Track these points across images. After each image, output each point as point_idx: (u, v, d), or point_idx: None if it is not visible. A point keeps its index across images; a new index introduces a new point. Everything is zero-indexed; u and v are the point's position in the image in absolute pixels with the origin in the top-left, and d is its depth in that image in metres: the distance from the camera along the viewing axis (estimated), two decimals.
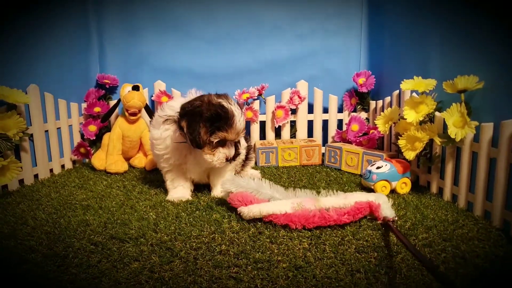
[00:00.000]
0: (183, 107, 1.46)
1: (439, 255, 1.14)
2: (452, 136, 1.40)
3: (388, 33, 2.20)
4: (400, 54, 2.08)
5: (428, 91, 1.59)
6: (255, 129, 2.36)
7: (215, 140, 1.44)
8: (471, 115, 1.42)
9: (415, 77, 1.65)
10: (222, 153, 1.48)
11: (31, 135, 1.84)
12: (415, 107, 1.61)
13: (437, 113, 1.59)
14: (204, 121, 1.41)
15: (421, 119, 1.58)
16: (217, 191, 1.64)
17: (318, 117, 2.36)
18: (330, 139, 2.39)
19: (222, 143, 1.48)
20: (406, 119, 1.63)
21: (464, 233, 1.27)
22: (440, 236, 1.24)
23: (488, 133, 1.36)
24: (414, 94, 1.74)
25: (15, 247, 1.17)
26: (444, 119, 1.52)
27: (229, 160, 1.51)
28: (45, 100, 1.95)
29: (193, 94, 1.56)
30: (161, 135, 1.55)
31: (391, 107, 1.97)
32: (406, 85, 1.64)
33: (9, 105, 1.68)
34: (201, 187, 1.74)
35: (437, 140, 1.53)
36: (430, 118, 1.63)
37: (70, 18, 2.17)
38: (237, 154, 1.61)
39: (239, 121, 1.46)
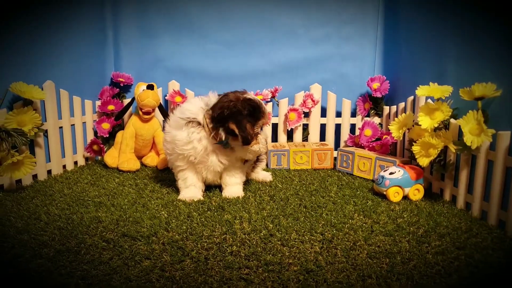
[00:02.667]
0: (219, 111, 1.50)
1: (452, 263, 1.13)
2: (468, 144, 1.38)
3: (404, 39, 2.19)
4: (415, 60, 2.06)
5: (444, 98, 1.58)
6: (267, 131, 2.35)
7: (257, 130, 1.57)
8: (487, 123, 1.40)
9: (430, 83, 1.64)
10: (263, 138, 1.60)
11: (46, 131, 1.86)
12: (430, 113, 1.59)
13: (452, 120, 1.57)
14: (247, 117, 1.51)
15: (436, 125, 1.57)
16: (228, 192, 1.65)
17: (331, 121, 2.35)
18: (342, 143, 2.38)
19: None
20: (420, 125, 1.61)
21: (478, 242, 1.25)
22: (453, 244, 1.23)
23: (505, 141, 1.34)
24: (429, 100, 1.73)
25: (29, 242, 1.19)
26: (459, 126, 1.51)
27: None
28: (60, 97, 1.96)
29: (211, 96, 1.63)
30: (190, 137, 1.56)
31: (405, 113, 1.96)
32: (422, 91, 1.63)
33: (26, 100, 1.70)
34: (212, 188, 1.74)
35: (452, 147, 1.51)
36: (445, 125, 1.61)
37: (87, 17, 2.20)
38: None
39: (265, 107, 1.60)
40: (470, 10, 1.59)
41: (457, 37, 1.65)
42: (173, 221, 1.34)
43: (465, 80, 1.56)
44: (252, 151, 1.57)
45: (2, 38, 1.65)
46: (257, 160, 1.86)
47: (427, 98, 1.77)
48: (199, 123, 1.56)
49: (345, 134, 2.37)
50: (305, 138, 2.39)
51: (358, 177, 2.00)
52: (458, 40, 1.65)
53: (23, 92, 1.64)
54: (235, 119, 1.49)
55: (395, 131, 1.82)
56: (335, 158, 2.22)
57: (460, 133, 1.55)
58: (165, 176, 1.95)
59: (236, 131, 1.48)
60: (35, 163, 1.68)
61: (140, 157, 2.21)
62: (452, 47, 1.69)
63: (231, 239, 1.23)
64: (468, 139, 1.38)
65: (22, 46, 1.75)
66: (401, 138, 1.94)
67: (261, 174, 1.94)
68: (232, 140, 1.54)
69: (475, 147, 1.38)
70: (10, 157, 1.54)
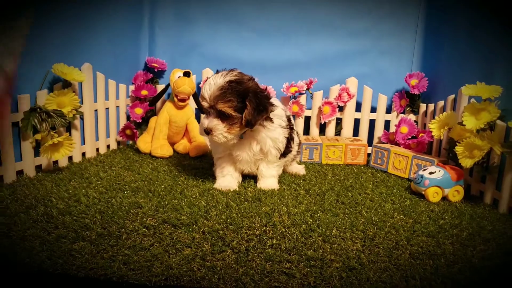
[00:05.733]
0: None
1: (501, 270, 1.10)
2: None
3: (447, 35, 2.12)
4: (458, 58, 2.00)
5: (492, 98, 1.52)
6: (299, 123, 2.33)
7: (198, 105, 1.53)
8: None
9: (478, 82, 1.59)
10: (202, 120, 1.53)
11: (82, 113, 1.86)
12: (476, 113, 1.55)
13: (499, 121, 1.52)
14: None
15: (481, 126, 1.52)
16: (263, 183, 1.64)
17: (365, 116, 2.30)
18: (375, 140, 2.34)
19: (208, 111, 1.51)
20: (464, 125, 1.57)
21: None
22: (500, 250, 1.19)
23: None
24: (473, 100, 1.68)
25: (71, 223, 1.19)
26: (506, 128, 1.47)
27: (207, 132, 1.49)
28: (96, 80, 1.97)
29: None
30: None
31: (444, 111, 1.91)
32: (468, 90, 1.58)
33: (65, 82, 1.71)
34: (245, 179, 1.72)
35: (498, 149, 1.47)
36: (491, 126, 1.56)
37: (124, 1, 2.19)
38: (288, 151, 1.66)
39: (206, 88, 1.47)
40: None
41: (509, 36, 1.60)
42: (212, 210, 1.33)
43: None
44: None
45: (43, 20, 1.65)
46: (297, 152, 1.83)
47: (470, 97, 1.71)
48: None
49: (379, 130, 2.33)
50: (337, 132, 2.35)
51: (393, 175, 1.96)
52: (509, 39, 1.59)
53: (65, 73, 1.64)
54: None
55: (436, 130, 1.78)
56: (369, 154, 2.18)
57: (507, 135, 1.50)
58: (198, 164, 1.94)
59: None
60: (74, 145, 1.68)
61: (172, 144, 2.20)
62: (502, 47, 1.63)
63: (271, 232, 1.22)
64: None
65: (60, 27, 1.74)
66: (442, 138, 1.89)
67: (295, 167, 1.91)
68: None
69: None
70: (50, 138, 1.55)
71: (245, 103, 1.44)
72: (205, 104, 1.47)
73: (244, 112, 1.45)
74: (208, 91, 1.45)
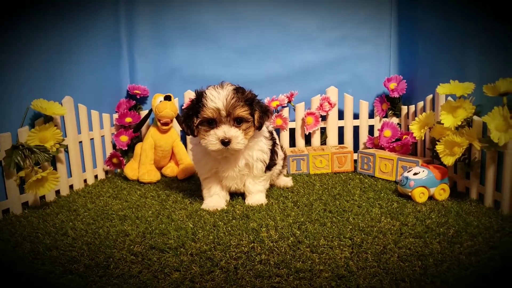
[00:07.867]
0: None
1: (487, 264, 1.10)
2: (495, 141, 1.35)
3: (420, 37, 2.16)
4: (433, 58, 2.04)
5: (466, 95, 1.55)
6: (284, 136, 2.35)
7: (197, 121, 1.49)
8: None
9: (451, 81, 1.61)
10: (212, 134, 1.47)
11: (66, 146, 1.87)
12: (453, 111, 1.57)
13: (475, 117, 1.55)
14: (190, 110, 1.51)
15: (459, 123, 1.54)
16: (251, 199, 1.64)
17: (349, 123, 2.33)
18: (361, 145, 2.36)
19: (214, 124, 1.48)
20: (442, 124, 1.59)
21: None
22: (486, 244, 1.20)
23: None
24: (449, 98, 1.70)
25: (58, 258, 1.19)
26: (483, 123, 1.49)
27: (225, 143, 1.46)
28: (79, 112, 1.98)
29: None
30: (195, 143, 1.62)
31: (424, 112, 1.93)
32: (443, 89, 1.61)
33: (46, 117, 1.72)
34: (234, 197, 1.73)
35: (477, 145, 1.49)
36: (468, 123, 1.58)
37: (102, 32, 2.22)
38: (273, 164, 1.66)
39: (212, 99, 1.45)
40: (492, 4, 1.57)
41: (479, 33, 1.63)
42: (200, 231, 1.33)
43: (486, 76, 1.54)
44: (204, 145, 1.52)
45: (21, 57, 1.67)
46: (282, 167, 1.85)
47: (447, 96, 1.74)
48: None
49: (363, 136, 2.35)
50: (323, 141, 2.37)
51: (380, 179, 1.98)
52: (480, 36, 1.63)
53: (45, 108, 1.65)
54: (183, 112, 1.57)
55: (417, 131, 1.80)
56: (355, 161, 2.19)
57: (484, 130, 1.52)
58: (186, 186, 1.94)
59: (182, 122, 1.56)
60: (59, 178, 1.68)
61: (159, 168, 2.21)
62: (473, 43, 1.66)
63: (259, 248, 1.22)
64: (495, 135, 1.36)
65: (39, 62, 1.77)
66: (423, 138, 1.91)
67: (282, 180, 1.92)
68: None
69: (502, 144, 1.36)
70: (34, 174, 1.55)
71: (252, 107, 1.49)
72: (223, 113, 1.45)
73: (254, 115, 1.50)
74: (220, 101, 1.44)
